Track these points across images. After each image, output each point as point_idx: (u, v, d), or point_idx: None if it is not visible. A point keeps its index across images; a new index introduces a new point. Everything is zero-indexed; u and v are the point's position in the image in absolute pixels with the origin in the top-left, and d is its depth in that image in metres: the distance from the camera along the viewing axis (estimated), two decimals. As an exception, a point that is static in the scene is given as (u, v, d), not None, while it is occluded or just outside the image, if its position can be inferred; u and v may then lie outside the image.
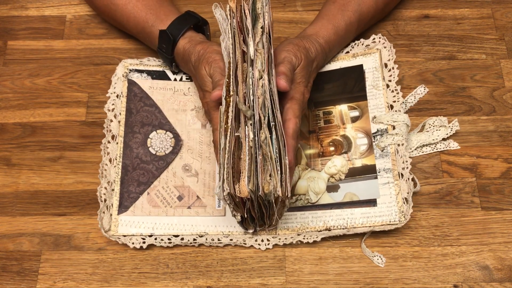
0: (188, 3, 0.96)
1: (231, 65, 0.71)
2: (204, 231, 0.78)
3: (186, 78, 0.89)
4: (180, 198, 0.80)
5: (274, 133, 0.67)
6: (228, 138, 0.67)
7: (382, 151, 0.80)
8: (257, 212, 0.69)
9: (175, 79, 0.88)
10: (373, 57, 0.86)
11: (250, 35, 0.71)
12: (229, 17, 0.74)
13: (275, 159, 0.65)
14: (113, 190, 0.80)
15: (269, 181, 0.65)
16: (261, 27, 0.73)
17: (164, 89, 0.87)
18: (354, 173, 0.80)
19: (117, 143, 0.83)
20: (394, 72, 0.85)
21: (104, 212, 0.78)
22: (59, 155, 0.84)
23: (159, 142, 0.84)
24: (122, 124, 0.84)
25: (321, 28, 0.83)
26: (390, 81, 0.84)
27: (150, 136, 0.84)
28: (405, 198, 0.77)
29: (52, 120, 0.87)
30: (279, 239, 0.77)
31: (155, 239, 0.77)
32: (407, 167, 0.78)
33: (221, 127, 0.68)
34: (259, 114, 0.67)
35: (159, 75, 0.88)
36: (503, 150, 0.83)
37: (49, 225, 0.80)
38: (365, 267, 0.76)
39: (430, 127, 0.83)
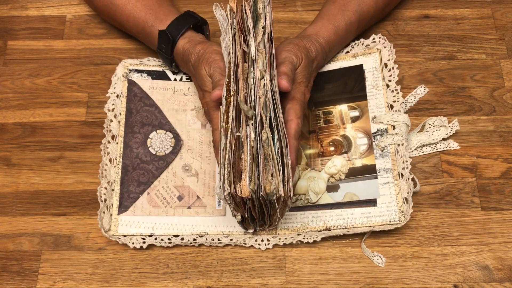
0: (188, 3, 0.96)
1: (232, 65, 0.71)
2: (204, 231, 0.78)
3: (186, 78, 0.89)
4: (180, 198, 0.80)
5: (276, 133, 0.67)
6: (228, 138, 0.67)
7: (382, 151, 0.80)
8: (257, 212, 0.69)
9: (175, 79, 0.88)
10: (373, 57, 0.86)
11: (251, 35, 0.71)
12: (229, 17, 0.74)
13: (277, 159, 0.65)
14: (113, 190, 0.80)
15: (270, 181, 0.65)
16: (263, 27, 0.73)
17: (164, 89, 0.87)
18: (354, 173, 0.80)
19: (117, 143, 0.83)
20: (394, 72, 0.85)
21: (104, 212, 0.78)
22: (59, 155, 0.84)
23: (159, 142, 0.84)
24: (122, 124, 0.84)
25: (321, 28, 0.83)
26: (390, 81, 0.84)
27: (150, 136, 0.84)
28: (405, 198, 0.77)
29: (52, 120, 0.87)
30: (279, 239, 0.77)
31: (155, 239, 0.77)
32: (407, 167, 0.78)
33: (222, 127, 0.68)
34: (260, 114, 0.67)
35: (159, 75, 0.88)
36: (503, 150, 0.83)
37: (49, 225, 0.80)
38: (365, 267, 0.76)
39: (430, 127, 0.83)
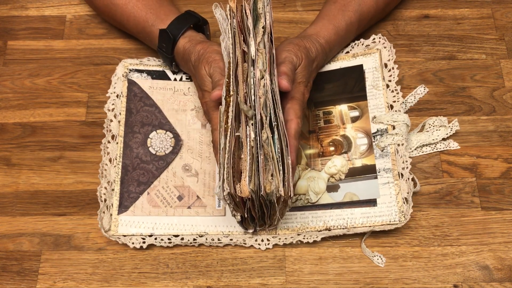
0: (188, 3, 0.96)
1: (231, 65, 0.71)
2: (204, 231, 0.78)
3: (186, 78, 0.89)
4: (180, 198, 0.80)
5: (276, 133, 0.67)
6: (228, 138, 0.66)
7: (382, 151, 0.80)
8: (257, 212, 0.69)
9: (175, 79, 0.88)
10: (373, 57, 0.86)
11: (251, 35, 0.71)
12: (229, 17, 0.74)
13: (277, 159, 0.65)
14: (113, 190, 0.80)
15: (271, 181, 0.65)
16: (263, 27, 0.73)
17: (164, 89, 0.87)
18: (354, 173, 0.80)
19: (117, 143, 0.83)
20: (394, 72, 0.85)
21: (104, 212, 0.78)
22: (59, 155, 0.84)
23: (159, 142, 0.84)
24: (122, 124, 0.84)
25: (321, 28, 0.83)
26: (390, 81, 0.84)
27: (150, 136, 0.84)
28: (405, 198, 0.77)
29: (52, 120, 0.87)
30: (279, 239, 0.77)
31: (155, 239, 0.77)
32: (407, 167, 0.78)
33: (221, 127, 0.68)
34: (260, 114, 0.67)
35: (159, 75, 0.88)
36: (503, 150, 0.83)
37: (49, 225, 0.80)
38: (365, 267, 0.76)
39: (430, 127, 0.83)
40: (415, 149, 0.83)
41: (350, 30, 0.85)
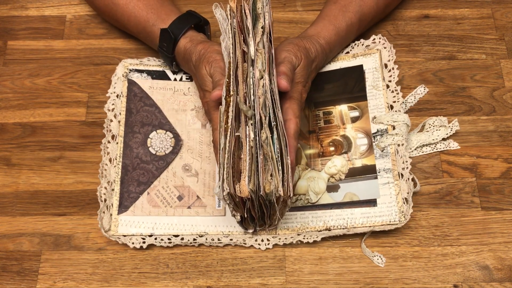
0: (188, 3, 0.96)
1: (231, 65, 0.71)
2: (204, 231, 0.78)
3: (186, 78, 0.89)
4: (180, 198, 0.80)
5: (275, 133, 0.67)
6: (228, 138, 0.66)
7: (382, 151, 0.80)
8: (257, 212, 0.69)
9: (175, 79, 0.88)
10: (373, 57, 0.86)
11: (250, 35, 0.71)
12: (229, 17, 0.74)
13: (276, 159, 0.65)
14: (113, 190, 0.80)
15: (270, 181, 0.65)
16: (262, 27, 0.73)
17: (164, 89, 0.87)
18: (354, 173, 0.80)
19: (117, 143, 0.83)
20: (394, 72, 0.85)
21: (104, 212, 0.78)
22: (59, 155, 0.84)
23: (159, 142, 0.84)
24: (122, 124, 0.84)
25: (322, 28, 0.83)
26: (390, 81, 0.84)
27: (150, 136, 0.84)
28: (405, 198, 0.77)
29: (52, 120, 0.87)
30: (279, 239, 0.77)
31: (155, 239, 0.77)
32: (407, 167, 0.78)
33: (221, 127, 0.68)
34: (260, 113, 0.67)
35: (159, 75, 0.88)
36: (503, 150, 0.83)
37: (49, 225, 0.80)
38: (365, 267, 0.76)
39: (430, 127, 0.83)
40: (415, 149, 0.83)
41: (351, 31, 0.85)
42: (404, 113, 0.84)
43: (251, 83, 0.69)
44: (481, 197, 0.80)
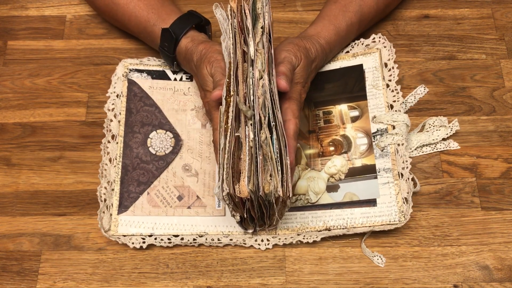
0: (188, 3, 0.96)
1: (232, 65, 0.71)
2: (204, 231, 0.78)
3: (186, 78, 0.89)
4: (180, 198, 0.80)
5: (274, 133, 0.67)
6: (228, 138, 0.66)
7: (382, 150, 0.80)
8: (257, 212, 0.69)
9: (175, 79, 0.88)
10: (373, 56, 0.86)
11: (250, 35, 0.71)
12: (230, 17, 0.74)
13: (275, 159, 0.65)
14: (113, 190, 0.80)
15: (269, 181, 0.65)
16: (261, 27, 0.73)
17: (164, 89, 0.87)
18: (354, 173, 0.80)
19: (117, 143, 0.83)
20: (394, 71, 0.85)
21: (104, 212, 0.78)
22: (59, 155, 0.84)
23: (159, 142, 0.84)
24: (122, 124, 0.84)
25: (322, 28, 0.83)
26: (390, 80, 0.84)
27: (150, 136, 0.84)
28: (405, 198, 0.77)
29: (52, 120, 0.87)
30: (279, 239, 0.77)
31: (155, 239, 0.77)
32: (407, 167, 0.78)
33: (221, 127, 0.68)
34: (259, 114, 0.67)
35: (159, 75, 0.88)
36: (503, 150, 0.83)
37: (49, 225, 0.80)
38: (365, 267, 0.76)
39: (430, 127, 0.83)
40: (415, 149, 0.83)
41: (351, 31, 0.85)
42: (404, 113, 0.84)
43: (251, 83, 0.69)
44: (481, 197, 0.80)
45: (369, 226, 0.76)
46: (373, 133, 0.82)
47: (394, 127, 0.81)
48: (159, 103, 0.86)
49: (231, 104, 0.68)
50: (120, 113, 0.85)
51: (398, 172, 0.78)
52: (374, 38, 0.88)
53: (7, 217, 0.80)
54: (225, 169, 0.65)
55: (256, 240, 0.77)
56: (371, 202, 0.78)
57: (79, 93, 0.89)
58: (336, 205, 0.79)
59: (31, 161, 0.84)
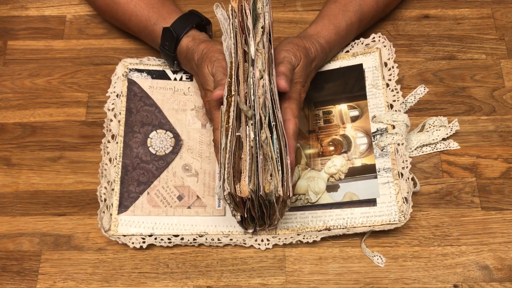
0: (188, 3, 0.96)
1: (233, 64, 0.71)
2: (204, 231, 0.78)
3: (186, 78, 0.89)
4: (180, 198, 0.80)
5: (274, 133, 0.67)
6: (229, 137, 0.66)
7: (382, 150, 0.80)
8: (257, 212, 0.69)
9: (175, 79, 0.88)
10: (373, 56, 0.86)
11: (251, 35, 0.71)
12: (231, 16, 0.74)
13: (276, 159, 0.65)
14: (113, 189, 0.80)
15: (270, 181, 0.65)
16: (262, 27, 0.73)
17: (164, 89, 0.87)
18: (354, 173, 0.80)
19: (117, 142, 0.83)
20: (394, 71, 0.85)
21: (104, 212, 0.78)
22: (59, 155, 0.84)
23: (159, 141, 0.84)
24: (122, 124, 0.84)
25: (322, 28, 0.83)
26: (390, 80, 0.84)
27: (150, 135, 0.84)
28: (405, 197, 0.77)
29: (52, 120, 0.87)
30: (279, 239, 0.77)
31: (155, 239, 0.77)
32: (407, 167, 0.78)
33: (222, 126, 0.68)
34: (259, 114, 0.67)
35: (159, 75, 0.88)
36: (503, 150, 0.83)
37: (49, 225, 0.80)
38: (365, 267, 0.76)
39: (430, 127, 0.83)
40: (415, 149, 0.83)
41: (351, 30, 0.85)
42: (404, 113, 0.84)
43: (251, 83, 0.69)
44: (481, 197, 0.80)
45: (369, 226, 0.76)
46: (373, 132, 0.82)
47: (394, 127, 0.81)
48: (159, 103, 0.86)
49: (232, 104, 0.68)
50: (120, 113, 0.85)
51: (398, 172, 0.78)
52: (373, 38, 0.88)
53: (7, 217, 0.80)
54: (226, 169, 0.65)
55: (256, 240, 0.77)
56: (371, 202, 0.78)
57: (79, 93, 0.89)
58: (336, 205, 0.79)
59: (31, 161, 0.84)
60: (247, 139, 0.66)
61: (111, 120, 0.84)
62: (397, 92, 0.83)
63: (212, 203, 0.80)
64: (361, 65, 0.86)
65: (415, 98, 0.86)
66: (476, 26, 0.92)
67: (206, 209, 0.80)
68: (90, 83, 0.90)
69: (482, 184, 0.80)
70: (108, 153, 0.82)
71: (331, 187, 0.80)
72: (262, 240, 0.77)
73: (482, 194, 0.80)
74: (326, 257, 0.77)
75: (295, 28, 0.93)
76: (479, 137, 0.84)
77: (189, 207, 0.80)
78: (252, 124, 0.67)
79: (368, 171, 0.80)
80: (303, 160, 0.82)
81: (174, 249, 0.78)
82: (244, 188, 0.65)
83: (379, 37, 0.87)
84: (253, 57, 0.70)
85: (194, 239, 0.77)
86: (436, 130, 0.83)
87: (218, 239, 0.77)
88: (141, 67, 0.89)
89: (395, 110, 0.82)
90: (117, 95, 0.86)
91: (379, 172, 0.79)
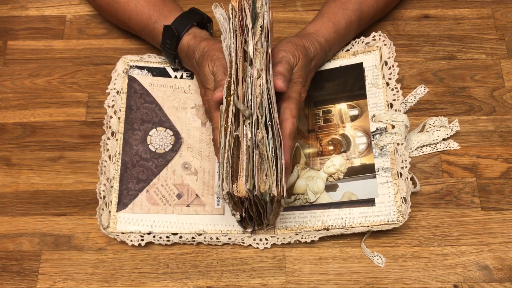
0: (188, 3, 0.96)
1: (233, 64, 0.71)
2: (203, 229, 0.78)
3: (187, 76, 0.89)
4: (179, 196, 0.80)
5: (270, 132, 0.67)
6: (228, 137, 0.66)
7: (381, 150, 0.80)
8: (254, 212, 0.69)
9: (175, 77, 0.88)
10: (373, 55, 0.86)
11: (250, 34, 0.71)
12: (231, 16, 0.74)
13: (271, 158, 0.65)
14: (112, 187, 0.80)
15: (265, 181, 0.65)
16: (260, 26, 0.73)
17: (164, 86, 0.87)
18: (353, 172, 0.80)
19: (116, 139, 0.83)
20: (394, 70, 0.84)
21: (103, 209, 0.78)
22: (59, 155, 0.84)
23: (159, 139, 0.84)
24: (122, 121, 0.84)
25: (321, 26, 0.83)
26: (390, 79, 0.84)
27: (150, 133, 0.84)
28: (404, 197, 0.77)
29: (52, 120, 0.87)
30: (277, 238, 0.77)
31: (154, 236, 0.77)
32: (406, 167, 0.78)
33: (221, 126, 0.68)
34: (256, 113, 0.67)
35: (159, 72, 0.88)
36: (503, 150, 0.83)
37: (49, 225, 0.80)
38: (365, 267, 0.76)
39: (430, 127, 0.83)
40: (415, 149, 0.83)
41: (350, 29, 0.85)
42: (404, 113, 0.84)
43: (249, 82, 0.69)
44: (481, 197, 0.80)
45: (367, 226, 0.76)
46: (373, 132, 0.82)
47: (393, 127, 0.81)
48: (159, 100, 0.86)
49: (231, 103, 0.68)
50: (120, 110, 0.85)
51: (397, 172, 0.78)
52: (374, 36, 0.88)
53: (7, 217, 0.80)
54: (225, 168, 0.65)
55: (254, 239, 0.77)
56: (370, 202, 0.78)
57: (79, 93, 0.89)
58: (334, 204, 0.79)
59: (31, 161, 0.84)
60: (245, 138, 0.66)
61: (111, 117, 0.84)
62: (397, 91, 0.83)
63: (211, 202, 0.80)
64: (361, 64, 0.86)
65: (415, 98, 0.86)
66: (476, 26, 0.92)
67: (205, 208, 0.80)
68: (90, 83, 0.90)
69: (482, 184, 0.80)
70: (108, 150, 0.82)
71: (330, 187, 0.80)
72: (260, 240, 0.77)
73: (482, 194, 0.80)
74: (326, 257, 0.77)
75: (295, 28, 0.94)
76: (479, 137, 0.84)
77: (188, 206, 0.80)
78: (249, 124, 0.67)
79: (367, 170, 0.80)
80: (302, 159, 0.82)
81: (174, 249, 0.78)
82: (242, 187, 0.64)
83: (380, 35, 0.87)
84: (251, 57, 0.70)
85: (192, 238, 0.77)
86: (437, 130, 0.83)
87: (217, 238, 0.77)
88: (142, 64, 0.89)
89: (395, 110, 0.82)
90: (117, 92, 0.86)
91: (378, 171, 0.79)
